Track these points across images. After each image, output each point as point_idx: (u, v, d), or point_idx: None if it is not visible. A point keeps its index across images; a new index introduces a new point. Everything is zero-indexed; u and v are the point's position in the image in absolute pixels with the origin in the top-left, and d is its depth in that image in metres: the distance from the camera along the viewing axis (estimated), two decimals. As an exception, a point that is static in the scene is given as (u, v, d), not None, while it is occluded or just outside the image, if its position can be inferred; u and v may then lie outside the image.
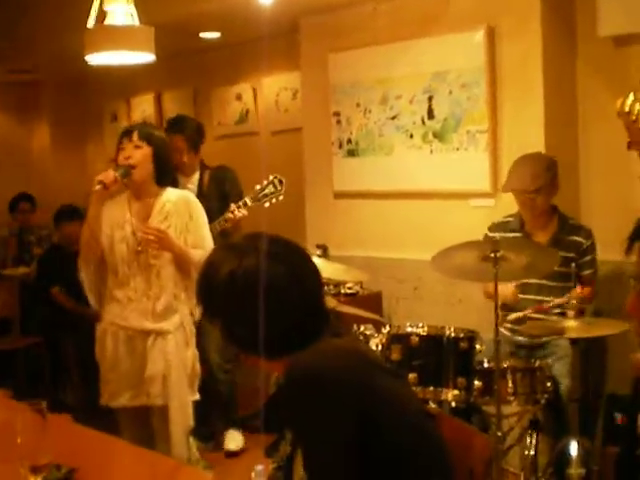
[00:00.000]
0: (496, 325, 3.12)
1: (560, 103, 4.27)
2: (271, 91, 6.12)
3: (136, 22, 3.13)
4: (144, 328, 3.21)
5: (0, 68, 6.87)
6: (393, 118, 4.78)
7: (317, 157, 5.27)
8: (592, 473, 3.18)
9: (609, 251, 3.85)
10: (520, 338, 3.72)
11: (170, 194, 3.31)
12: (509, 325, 3.71)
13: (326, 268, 3.72)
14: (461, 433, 2.09)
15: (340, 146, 5.09)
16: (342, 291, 4.78)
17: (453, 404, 3.15)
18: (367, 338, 3.29)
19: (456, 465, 1.77)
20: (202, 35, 5.85)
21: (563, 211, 3.85)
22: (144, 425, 3.26)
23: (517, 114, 4.28)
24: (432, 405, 3.11)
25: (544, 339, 3.65)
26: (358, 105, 4.96)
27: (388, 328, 3.29)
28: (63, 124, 7.88)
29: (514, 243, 3.62)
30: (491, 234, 3.86)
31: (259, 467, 2.23)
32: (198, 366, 3.35)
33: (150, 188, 3.27)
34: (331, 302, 3.71)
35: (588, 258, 3.77)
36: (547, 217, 3.80)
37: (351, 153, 5.04)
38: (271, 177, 4.05)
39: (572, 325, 3.19)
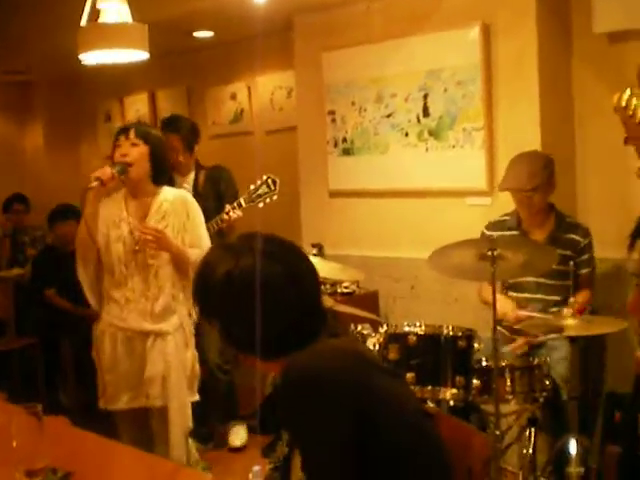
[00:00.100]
0: (494, 323, 3.11)
1: (556, 100, 4.27)
2: (266, 90, 6.10)
3: (129, 20, 3.11)
4: (143, 329, 3.20)
5: (-7, 69, 6.86)
6: (388, 116, 4.77)
7: (312, 156, 5.25)
8: (591, 471, 3.17)
9: (607, 249, 3.85)
10: (518, 337, 3.70)
11: (167, 193, 3.30)
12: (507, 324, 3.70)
13: (322, 267, 3.70)
14: (459, 432, 2.09)
15: (335, 145, 5.07)
16: (338, 290, 4.77)
17: (451, 403, 3.13)
18: (364, 338, 3.27)
19: (455, 464, 1.77)
20: (196, 34, 5.83)
21: (560, 209, 3.85)
22: (142, 427, 3.25)
23: (513, 111, 4.27)
24: (430, 404, 3.10)
25: (543, 337, 3.64)
26: (353, 103, 4.94)
27: (385, 327, 3.26)
28: (56, 124, 7.85)
29: (511, 241, 3.61)
30: (488, 232, 3.85)
31: (256, 467, 2.23)
32: (197, 367, 3.34)
33: (147, 187, 3.26)
34: (328, 301, 3.70)
35: (586, 257, 3.76)
36: (544, 215, 3.79)
37: (346, 152, 5.02)
38: (265, 177, 4.01)
39: (571, 323, 3.18)
